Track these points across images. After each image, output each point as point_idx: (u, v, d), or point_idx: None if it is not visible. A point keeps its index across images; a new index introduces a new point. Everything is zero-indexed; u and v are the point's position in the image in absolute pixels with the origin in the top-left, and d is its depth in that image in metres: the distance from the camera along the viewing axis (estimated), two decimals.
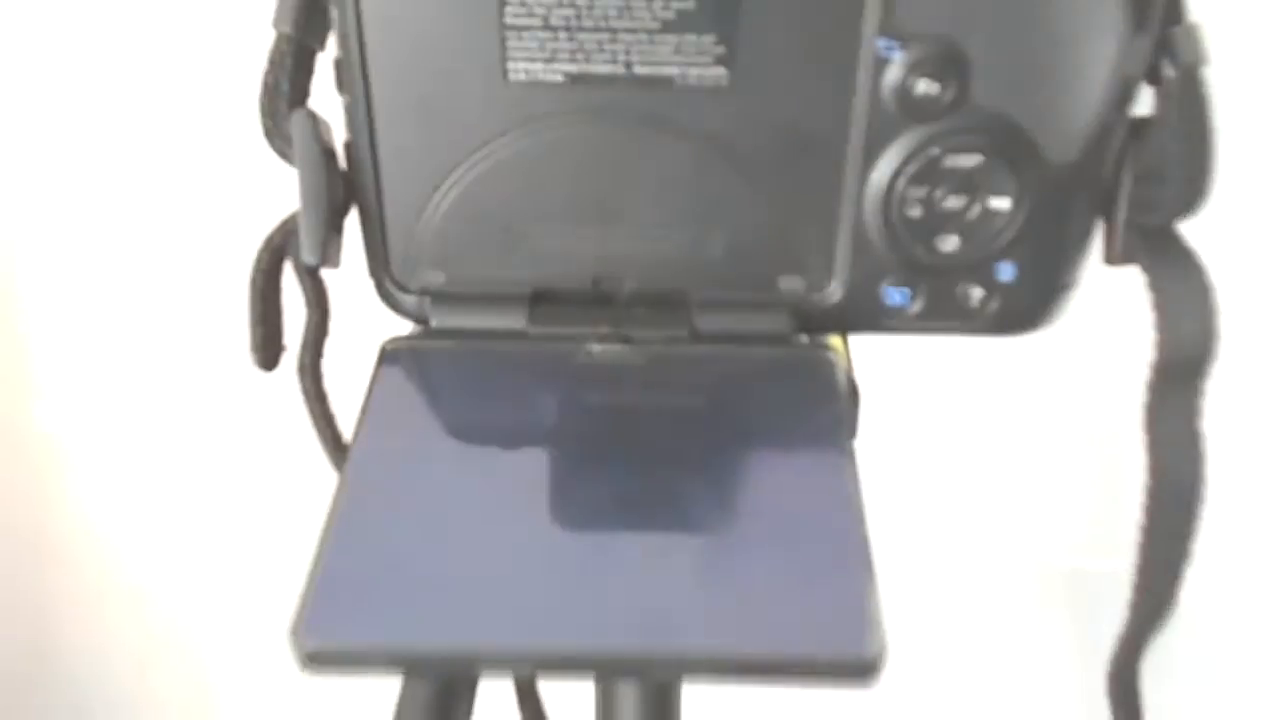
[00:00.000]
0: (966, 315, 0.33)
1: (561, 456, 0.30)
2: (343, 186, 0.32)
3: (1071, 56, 0.30)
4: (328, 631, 0.25)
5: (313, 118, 0.31)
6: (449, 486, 0.29)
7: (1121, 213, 0.33)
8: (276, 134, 0.31)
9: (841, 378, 0.32)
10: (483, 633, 0.25)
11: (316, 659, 0.25)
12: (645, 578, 0.27)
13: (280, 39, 0.31)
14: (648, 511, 0.28)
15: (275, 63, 0.31)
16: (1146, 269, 0.33)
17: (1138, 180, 0.32)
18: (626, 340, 0.32)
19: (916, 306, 0.33)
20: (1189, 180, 0.31)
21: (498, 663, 0.25)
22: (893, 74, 0.30)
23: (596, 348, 0.32)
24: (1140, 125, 0.32)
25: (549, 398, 0.31)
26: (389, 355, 0.32)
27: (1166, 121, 0.31)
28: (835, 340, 0.37)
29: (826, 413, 0.31)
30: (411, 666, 0.26)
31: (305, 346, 0.33)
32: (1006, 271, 0.33)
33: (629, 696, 0.39)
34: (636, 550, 0.27)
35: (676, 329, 0.33)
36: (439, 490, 0.29)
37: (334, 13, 0.30)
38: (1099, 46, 0.30)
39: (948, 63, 0.30)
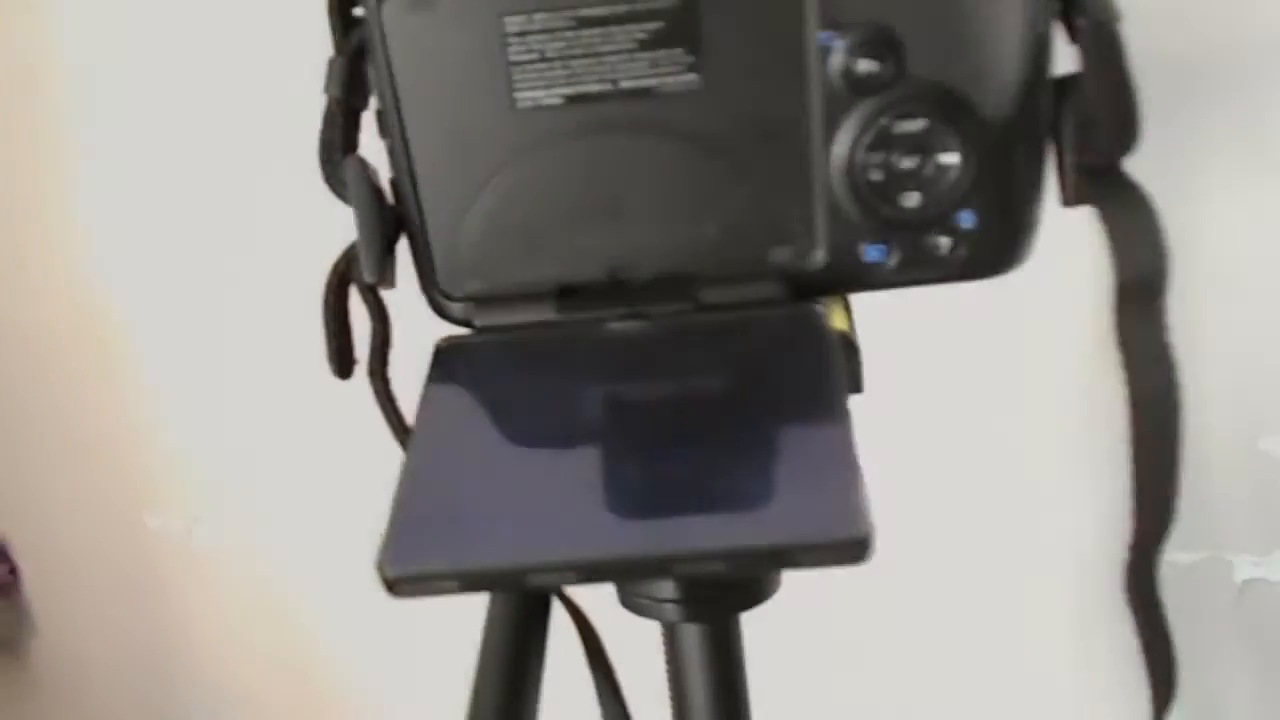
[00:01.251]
0: (941, 264, 0.38)
1: (588, 411, 0.35)
2: (392, 217, 0.38)
3: (986, 23, 0.35)
4: (405, 561, 0.30)
5: (362, 163, 0.38)
6: (496, 443, 0.34)
7: (1068, 159, 0.37)
8: (334, 180, 0.38)
9: (825, 324, 0.37)
10: (527, 551, 0.30)
11: (397, 585, 0.30)
12: (663, 497, 0.32)
13: (331, 101, 0.38)
14: (664, 448, 0.33)
15: (329, 121, 0.38)
16: (1097, 206, 0.37)
17: (1079, 128, 0.37)
18: (641, 317, 0.38)
19: (894, 260, 0.38)
20: (1118, 125, 0.36)
21: (542, 573, 0.30)
22: (836, 59, 0.36)
23: (616, 325, 0.38)
24: (1072, 78, 0.37)
25: (576, 368, 0.37)
26: (442, 351, 0.37)
27: (1089, 73, 0.36)
28: (836, 308, 0.42)
29: (814, 352, 0.35)
30: (473, 583, 0.30)
31: (373, 354, 0.39)
32: (967, 219, 0.37)
33: (694, 647, 0.43)
34: (655, 477, 0.32)
35: (684, 303, 0.38)
36: (488, 447, 0.34)
37: (371, 74, 0.37)
38: (1008, 11, 0.35)
39: (882, 43, 0.35)
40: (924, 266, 0.38)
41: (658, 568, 0.30)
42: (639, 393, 0.35)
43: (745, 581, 0.43)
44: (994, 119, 0.36)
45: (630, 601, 0.43)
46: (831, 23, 0.35)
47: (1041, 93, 0.37)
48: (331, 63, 0.38)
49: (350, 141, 0.38)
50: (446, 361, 0.37)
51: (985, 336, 0.68)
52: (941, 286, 0.39)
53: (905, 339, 0.61)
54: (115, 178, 0.80)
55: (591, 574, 0.30)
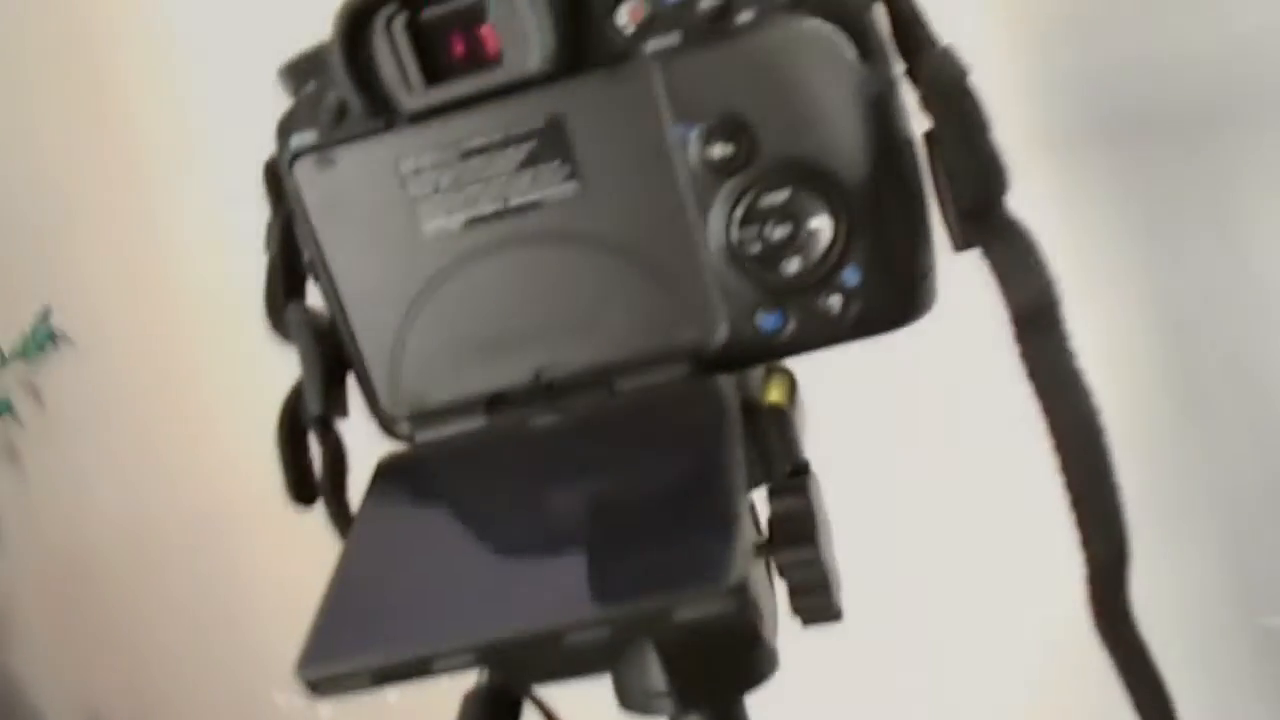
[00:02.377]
0: (838, 323, 0.39)
1: (501, 505, 0.38)
2: (333, 353, 0.42)
3: (822, 96, 0.37)
4: (319, 664, 0.32)
5: (302, 308, 0.42)
6: (415, 545, 0.37)
7: (947, 208, 0.39)
8: (279, 326, 0.42)
9: (722, 392, 0.38)
10: (428, 642, 0.32)
11: (316, 686, 0.32)
12: (556, 576, 0.34)
13: (271, 258, 0.43)
14: (562, 531, 0.36)
15: (270, 276, 0.43)
16: (980, 246, 0.38)
17: (950, 178, 0.38)
18: (561, 411, 0.40)
19: (792, 326, 0.39)
20: (980, 175, 0.38)
21: (443, 659, 0.32)
22: (694, 148, 0.38)
23: (539, 421, 0.40)
24: (931, 133, 0.39)
25: (496, 467, 0.39)
26: (380, 466, 0.40)
27: (939, 130, 0.38)
28: (776, 382, 0.44)
29: (710, 420, 0.37)
30: (383, 678, 0.32)
31: (323, 480, 0.43)
32: (852, 277, 0.39)
33: None
34: (551, 558, 0.35)
35: (601, 394, 0.40)
36: (408, 549, 0.37)
37: (299, 231, 0.41)
38: (841, 84, 0.37)
39: (731, 128, 0.38)
40: (823, 327, 0.39)
41: (546, 642, 0.32)
42: (548, 481, 0.38)
43: (735, 662, 0.44)
44: (854, 180, 0.38)
45: (628, 701, 0.44)
46: (684, 116, 0.38)
47: (900, 149, 0.38)
48: (269, 225, 0.43)
49: (291, 291, 0.42)
50: (383, 476, 0.40)
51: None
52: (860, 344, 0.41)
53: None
54: (244, 382, 0.87)
55: (487, 655, 0.32)
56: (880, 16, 0.38)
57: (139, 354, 1.06)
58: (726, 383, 0.38)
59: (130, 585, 1.08)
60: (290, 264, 0.42)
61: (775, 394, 0.44)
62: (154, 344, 1.05)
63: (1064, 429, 0.38)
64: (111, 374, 1.08)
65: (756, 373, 0.45)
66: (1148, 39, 0.68)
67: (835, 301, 0.39)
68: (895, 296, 0.40)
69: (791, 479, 0.44)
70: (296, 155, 0.40)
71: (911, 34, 0.39)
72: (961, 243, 0.39)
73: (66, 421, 1.14)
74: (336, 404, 0.42)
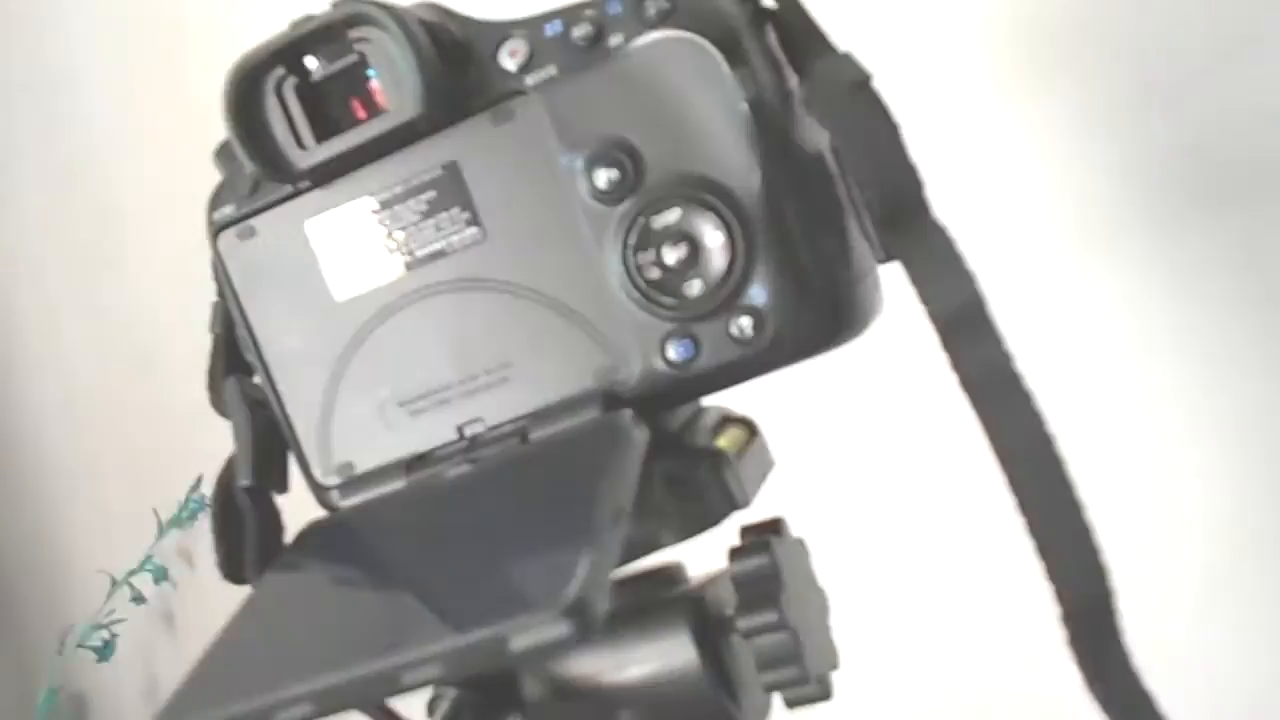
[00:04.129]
0: (754, 345, 0.36)
1: (384, 557, 0.36)
2: (270, 427, 0.42)
3: (697, 109, 0.36)
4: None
5: (239, 382, 0.42)
6: (294, 603, 0.35)
7: (862, 218, 0.36)
8: (218, 402, 0.42)
9: (626, 426, 0.36)
10: (270, 693, 0.30)
11: None
12: (405, 619, 0.32)
13: (215, 338, 0.43)
14: (429, 575, 0.34)
15: (214, 354, 0.43)
16: (899, 257, 0.35)
17: (861, 187, 0.36)
18: (474, 461, 0.38)
19: (706, 354, 0.37)
20: (884, 181, 0.35)
21: (283, 708, 0.30)
22: (583, 177, 0.37)
23: (450, 473, 0.38)
24: (833, 143, 0.36)
25: (391, 526, 0.38)
26: (298, 534, 0.39)
27: (836, 137, 0.36)
28: (731, 431, 0.41)
29: (604, 455, 0.35)
30: None
31: (251, 555, 0.42)
32: (759, 295, 0.36)
33: None
34: (407, 603, 0.33)
35: (516, 443, 0.38)
36: (286, 608, 0.35)
37: (229, 305, 0.42)
38: (711, 94, 0.36)
39: (614, 151, 0.37)
40: (739, 353, 0.37)
41: (380, 683, 0.29)
42: (431, 533, 0.36)
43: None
44: (747, 192, 0.36)
45: None
46: (571, 146, 0.37)
47: (800, 159, 0.36)
48: (214, 306, 0.43)
49: (232, 366, 0.43)
50: (294, 546, 0.39)
51: None
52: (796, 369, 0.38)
53: None
54: None
55: (324, 701, 0.30)
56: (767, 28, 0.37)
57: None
58: (625, 417, 0.36)
59: None
60: (231, 341, 0.43)
61: (724, 441, 0.41)
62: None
63: (1009, 440, 0.34)
64: None
65: (708, 419, 0.42)
66: None
67: (746, 323, 0.36)
68: (814, 315, 0.37)
69: (756, 537, 0.40)
70: (219, 229, 0.41)
71: (802, 44, 0.37)
72: (882, 255, 0.36)
73: (216, 580, 1.18)
74: (271, 478, 0.42)
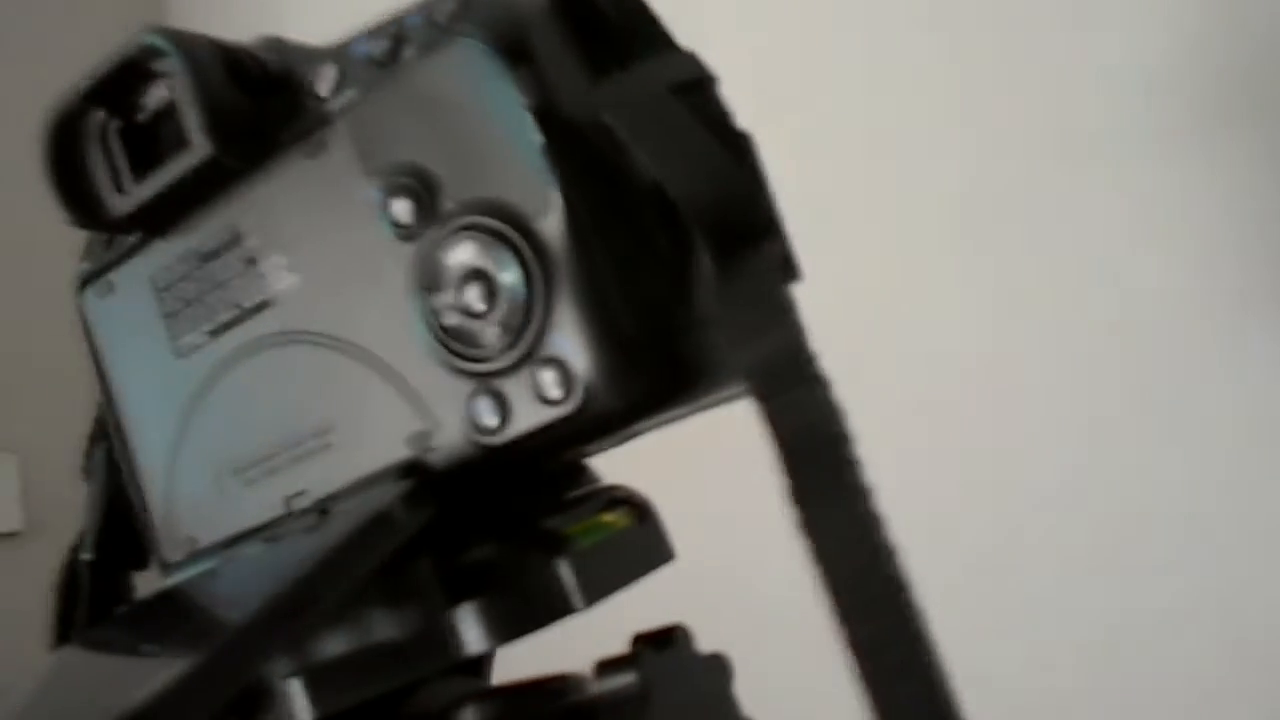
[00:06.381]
0: (565, 405, 0.30)
1: (134, 633, 0.31)
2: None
3: (484, 125, 0.30)
4: None
5: (108, 450, 0.39)
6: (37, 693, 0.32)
7: (691, 256, 0.29)
8: (86, 469, 0.40)
9: (393, 503, 0.30)
10: None
11: None
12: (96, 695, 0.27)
13: (98, 404, 0.41)
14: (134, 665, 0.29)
15: (96, 423, 0.41)
16: (721, 303, 0.28)
17: (694, 219, 0.29)
18: (272, 540, 0.34)
19: (516, 417, 0.30)
20: (690, 201, 0.28)
21: None
22: (380, 211, 0.32)
23: (247, 552, 0.34)
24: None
25: (165, 614, 0.34)
26: (114, 611, 0.36)
27: (642, 154, 0.29)
28: (613, 514, 0.35)
29: (340, 542, 0.29)
30: None
31: (77, 627, 0.38)
32: (561, 343, 0.30)
33: None
34: (99, 689, 0.28)
35: (311, 518, 0.33)
36: (38, 690, 0.31)
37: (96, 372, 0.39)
38: (499, 100, 0.30)
39: (408, 179, 0.31)
40: (550, 413, 0.30)
41: None
42: (169, 625, 0.32)
43: None
44: (544, 218, 0.30)
45: None
46: (370, 175, 0.32)
47: (608, 177, 0.30)
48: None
49: (102, 433, 0.40)
50: (107, 619, 0.36)
51: None
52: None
53: None
54: None
55: None
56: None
57: None
58: (390, 497, 0.30)
59: None
60: (100, 425, 0.40)
61: (583, 527, 0.34)
62: None
63: (821, 537, 0.25)
64: None
65: (598, 500, 0.35)
66: None
67: (551, 379, 0.30)
68: (635, 367, 0.30)
69: (637, 648, 0.33)
70: (81, 285, 0.39)
71: (625, 42, 0.31)
72: (721, 303, 0.29)
73: None
74: (119, 553, 0.38)
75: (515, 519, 0.34)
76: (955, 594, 0.51)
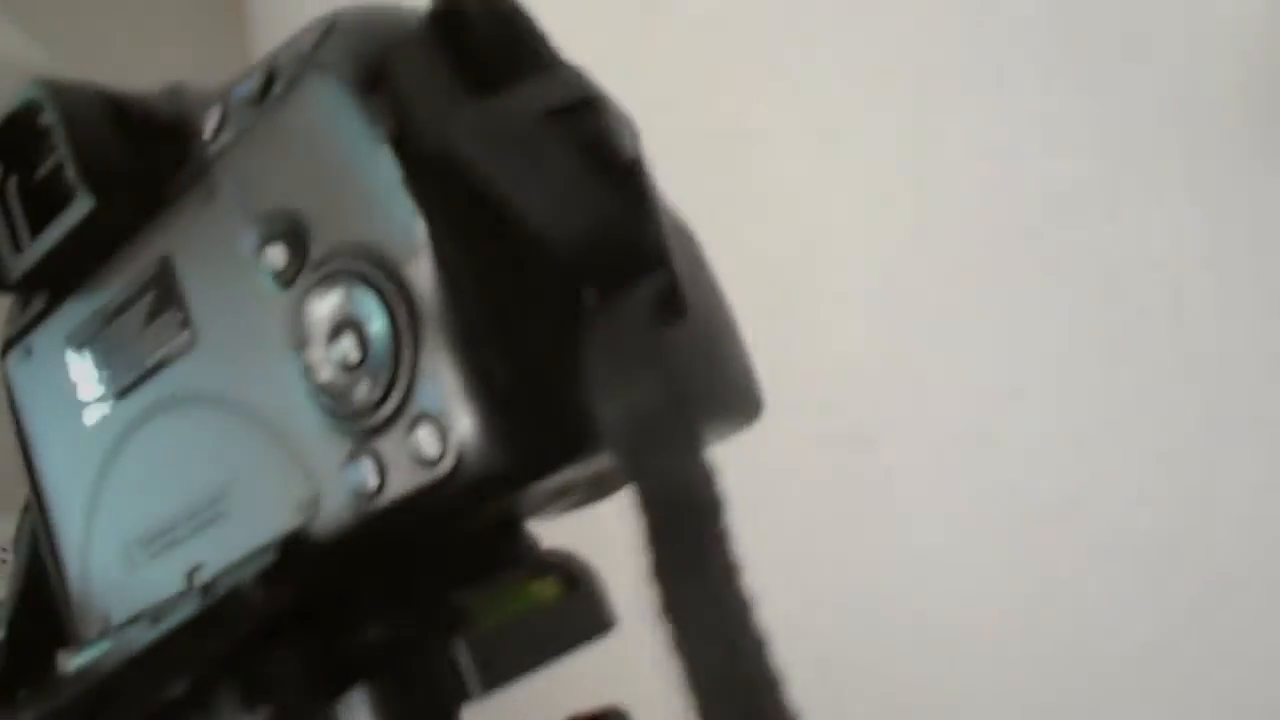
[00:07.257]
0: (440, 466, 0.27)
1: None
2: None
3: (349, 153, 0.27)
4: None
5: (31, 527, 0.37)
6: None
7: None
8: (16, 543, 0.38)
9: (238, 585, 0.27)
10: None
11: None
12: None
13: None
14: None
15: (25, 505, 0.39)
16: (590, 349, 0.25)
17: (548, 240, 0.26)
18: (154, 620, 0.31)
19: (393, 483, 0.27)
20: (556, 234, 0.25)
21: None
22: (256, 259, 0.29)
23: (132, 632, 0.31)
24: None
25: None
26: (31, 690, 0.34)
27: (498, 180, 0.26)
28: (542, 581, 0.31)
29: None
30: None
31: None
32: (432, 397, 0.26)
33: None
34: None
35: (195, 598, 0.30)
36: None
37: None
38: (354, 131, 0.27)
39: (278, 224, 0.29)
40: (426, 475, 0.27)
41: None
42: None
43: None
44: (410, 259, 0.27)
45: None
46: (245, 221, 0.30)
47: (485, 214, 0.27)
48: None
49: (39, 499, 0.38)
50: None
51: None
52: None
53: None
54: None
55: None
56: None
57: None
58: (245, 578, 0.27)
59: None
60: (41, 506, 0.39)
61: (487, 603, 0.30)
62: None
63: (680, 623, 0.22)
64: None
65: (513, 576, 0.32)
66: None
67: (426, 437, 0.27)
68: (519, 422, 0.26)
69: None
70: (3, 352, 0.37)
71: (504, 61, 0.28)
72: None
73: None
74: (38, 631, 0.36)
75: (421, 593, 0.30)
76: None
